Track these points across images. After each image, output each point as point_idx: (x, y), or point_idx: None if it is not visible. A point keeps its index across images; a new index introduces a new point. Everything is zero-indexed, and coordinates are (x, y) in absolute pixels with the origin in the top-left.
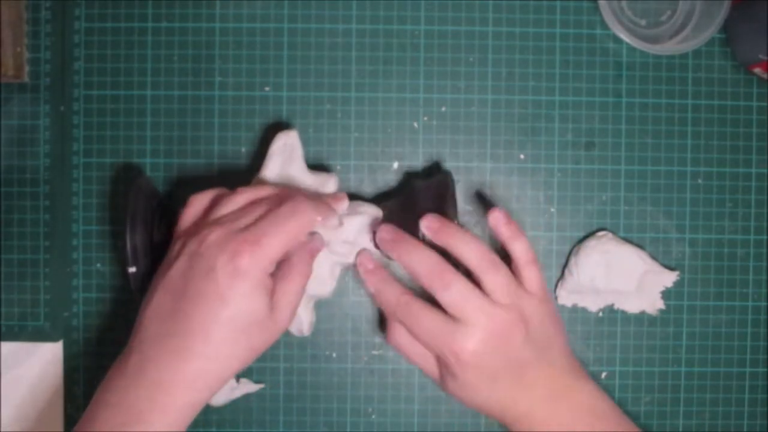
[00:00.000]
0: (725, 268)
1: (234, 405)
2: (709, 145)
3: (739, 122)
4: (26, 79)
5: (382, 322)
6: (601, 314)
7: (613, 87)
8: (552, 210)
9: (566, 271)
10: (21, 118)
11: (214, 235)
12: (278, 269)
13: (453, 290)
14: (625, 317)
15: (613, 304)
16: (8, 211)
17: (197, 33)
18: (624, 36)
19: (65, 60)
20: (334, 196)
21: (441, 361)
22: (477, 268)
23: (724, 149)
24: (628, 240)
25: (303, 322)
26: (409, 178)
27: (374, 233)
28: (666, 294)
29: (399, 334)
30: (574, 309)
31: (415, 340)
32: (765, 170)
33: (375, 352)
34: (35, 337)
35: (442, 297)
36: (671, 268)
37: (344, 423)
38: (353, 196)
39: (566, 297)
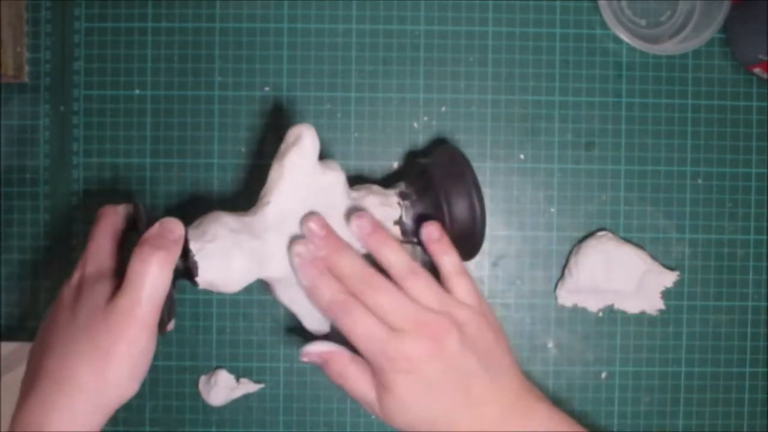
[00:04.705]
0: (725, 268)
1: (234, 405)
2: (709, 145)
3: (739, 122)
4: (26, 79)
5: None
6: (601, 314)
7: (613, 87)
8: (552, 210)
9: (566, 271)
10: (21, 118)
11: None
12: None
13: (382, 295)
14: (625, 317)
15: (613, 304)
16: (8, 211)
17: (197, 33)
18: (624, 36)
19: (65, 60)
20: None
21: (376, 374)
22: (398, 273)
23: (724, 149)
24: (628, 240)
25: (323, 321)
26: (413, 157)
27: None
28: (666, 294)
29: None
30: (574, 309)
31: (349, 365)
32: (765, 170)
33: None
34: (35, 337)
35: (370, 300)
36: (671, 268)
37: (344, 423)
38: (360, 179)
39: (566, 297)
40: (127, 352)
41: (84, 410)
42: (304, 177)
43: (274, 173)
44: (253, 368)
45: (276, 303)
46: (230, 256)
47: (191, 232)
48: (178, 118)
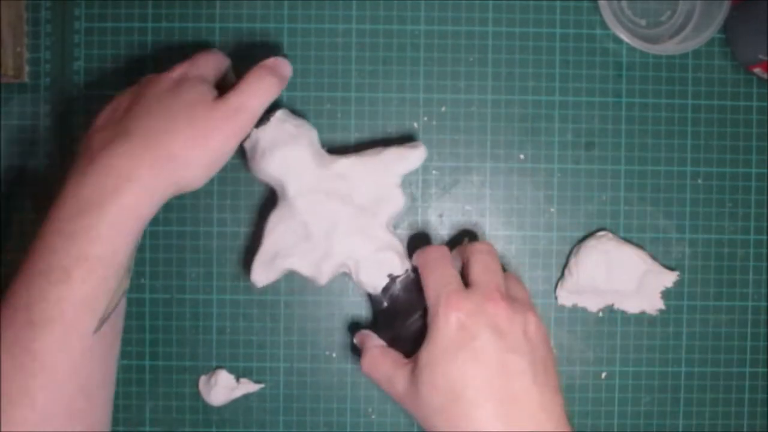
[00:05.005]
0: (725, 268)
1: (234, 405)
2: (709, 145)
3: (739, 122)
4: (26, 79)
5: (354, 350)
6: (601, 314)
7: (613, 87)
8: (552, 210)
9: (566, 271)
10: (21, 118)
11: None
12: None
13: (479, 261)
14: (625, 317)
15: (613, 304)
16: (8, 211)
17: (197, 33)
18: (624, 36)
19: (65, 60)
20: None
21: (429, 319)
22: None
23: (724, 149)
24: (628, 240)
25: (265, 279)
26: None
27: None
28: (666, 294)
29: (370, 358)
30: (574, 309)
31: (382, 362)
32: (765, 170)
33: None
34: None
35: (471, 257)
36: (671, 268)
37: (344, 423)
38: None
39: (566, 297)
40: (219, 146)
41: (163, 177)
42: (384, 171)
43: (376, 150)
44: (253, 368)
45: (275, 304)
46: (297, 143)
47: (287, 110)
48: None
